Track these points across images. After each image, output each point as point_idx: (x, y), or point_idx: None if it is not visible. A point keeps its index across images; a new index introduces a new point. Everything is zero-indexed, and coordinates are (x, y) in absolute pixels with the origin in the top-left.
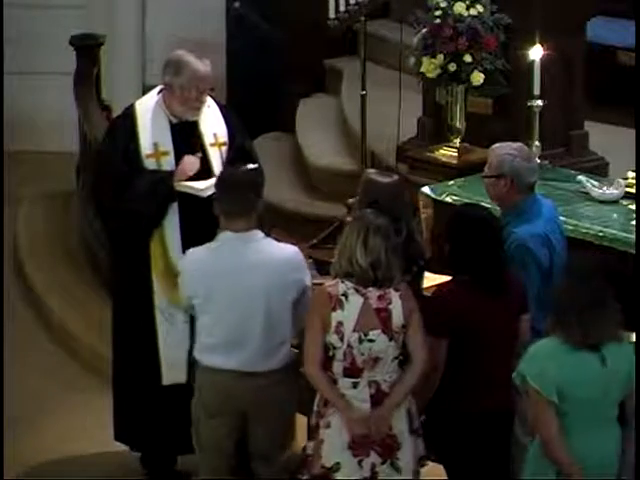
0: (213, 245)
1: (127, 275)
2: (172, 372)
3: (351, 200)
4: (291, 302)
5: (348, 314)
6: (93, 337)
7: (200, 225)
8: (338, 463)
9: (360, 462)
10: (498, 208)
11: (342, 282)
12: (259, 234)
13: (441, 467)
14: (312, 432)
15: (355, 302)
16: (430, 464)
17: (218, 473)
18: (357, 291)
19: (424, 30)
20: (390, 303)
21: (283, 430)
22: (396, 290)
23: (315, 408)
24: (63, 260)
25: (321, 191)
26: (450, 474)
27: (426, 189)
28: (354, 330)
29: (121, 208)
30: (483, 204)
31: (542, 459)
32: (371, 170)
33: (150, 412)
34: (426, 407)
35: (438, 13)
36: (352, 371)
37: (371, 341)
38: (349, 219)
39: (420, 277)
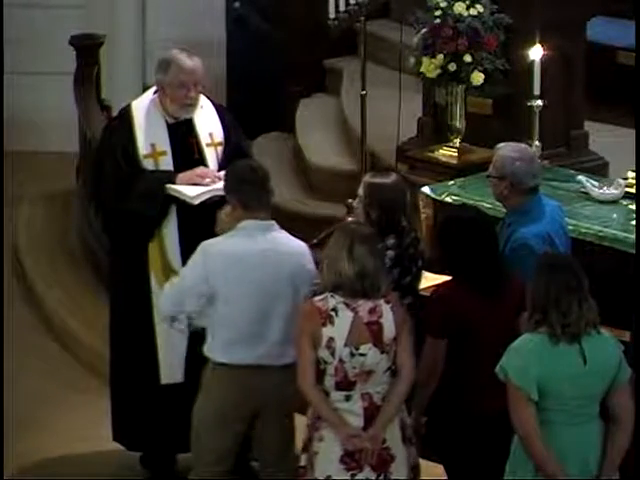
0: (234, 234)
1: (125, 275)
2: (170, 371)
3: (351, 200)
4: (307, 293)
5: (339, 329)
6: (93, 337)
7: (198, 225)
8: (330, 476)
9: (353, 476)
10: (504, 209)
11: (331, 296)
12: (276, 224)
13: (441, 467)
14: (305, 445)
15: (345, 317)
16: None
17: (218, 476)
18: (347, 305)
19: (424, 30)
20: (381, 316)
21: (291, 428)
22: (387, 302)
23: (308, 421)
24: (63, 260)
25: (321, 191)
26: (450, 475)
27: (426, 189)
28: (345, 345)
29: (122, 209)
30: (483, 204)
31: (522, 453)
32: (369, 174)
33: (149, 411)
34: (426, 408)
35: (438, 13)
36: (344, 385)
37: (362, 355)
38: (350, 219)
39: (418, 277)
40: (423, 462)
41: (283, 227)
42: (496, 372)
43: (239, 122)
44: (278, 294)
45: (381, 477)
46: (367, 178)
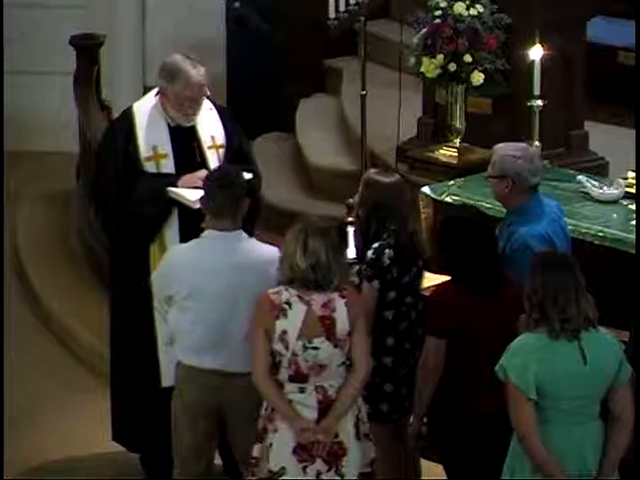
0: (198, 242)
1: (126, 276)
2: (171, 374)
3: (351, 200)
4: None
5: (291, 322)
6: (93, 337)
7: (200, 228)
8: (283, 468)
9: (305, 468)
10: (504, 209)
11: (285, 289)
12: (243, 234)
13: (441, 467)
14: (259, 436)
15: (298, 310)
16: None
17: (196, 476)
18: (301, 299)
19: (424, 30)
20: (334, 311)
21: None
22: (342, 296)
23: (263, 412)
24: (63, 260)
25: (321, 191)
26: (450, 474)
27: (426, 189)
28: (298, 338)
29: (123, 211)
30: (483, 204)
31: (520, 453)
32: (372, 170)
33: (149, 412)
34: (427, 408)
35: (438, 13)
36: (298, 377)
37: (315, 349)
38: (349, 219)
39: (419, 277)
40: (423, 462)
41: (283, 227)
42: (495, 371)
43: (239, 122)
44: (240, 305)
45: (332, 470)
46: (367, 174)
